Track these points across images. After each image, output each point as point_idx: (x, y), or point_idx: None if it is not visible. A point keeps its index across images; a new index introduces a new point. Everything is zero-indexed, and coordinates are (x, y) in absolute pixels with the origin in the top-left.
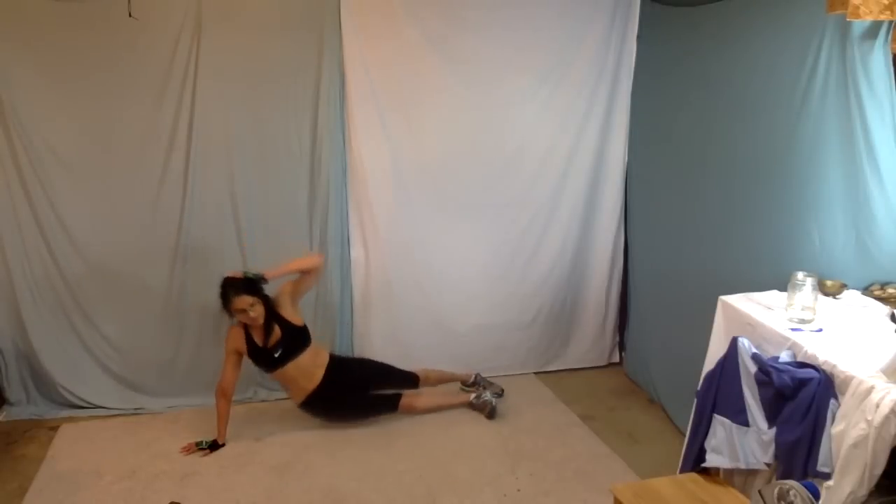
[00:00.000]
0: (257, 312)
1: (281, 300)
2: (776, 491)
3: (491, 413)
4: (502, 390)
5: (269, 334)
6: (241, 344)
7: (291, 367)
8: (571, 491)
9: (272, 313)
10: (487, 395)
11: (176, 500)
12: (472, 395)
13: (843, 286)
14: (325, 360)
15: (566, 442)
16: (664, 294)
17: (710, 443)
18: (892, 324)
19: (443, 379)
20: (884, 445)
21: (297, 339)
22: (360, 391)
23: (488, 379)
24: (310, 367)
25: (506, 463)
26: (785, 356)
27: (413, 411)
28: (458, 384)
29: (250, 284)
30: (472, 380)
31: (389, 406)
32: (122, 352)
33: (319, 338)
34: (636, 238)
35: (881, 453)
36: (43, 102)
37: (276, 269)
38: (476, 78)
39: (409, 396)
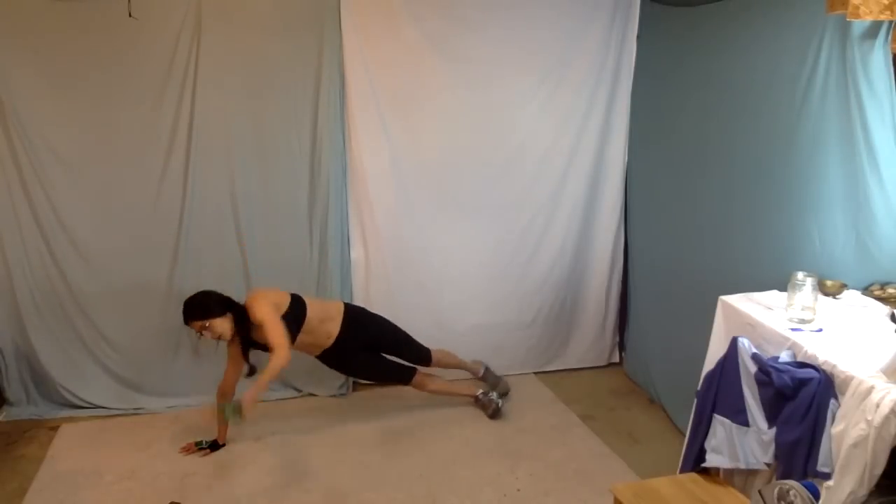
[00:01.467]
0: (217, 331)
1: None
2: (776, 491)
3: (494, 413)
4: (508, 390)
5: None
6: (237, 351)
7: (303, 337)
8: (571, 491)
9: (245, 333)
10: (494, 396)
11: (176, 500)
12: (480, 391)
13: (843, 286)
14: (339, 310)
15: (566, 442)
16: (664, 294)
17: (710, 443)
18: (892, 324)
19: (453, 364)
20: (884, 445)
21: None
22: (374, 352)
23: (496, 374)
24: (319, 325)
25: (506, 463)
26: (785, 356)
27: (423, 389)
28: (470, 376)
29: (195, 309)
30: (481, 373)
31: (403, 377)
32: (122, 352)
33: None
34: (636, 238)
35: (881, 453)
36: (43, 102)
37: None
38: (476, 78)
39: (422, 375)
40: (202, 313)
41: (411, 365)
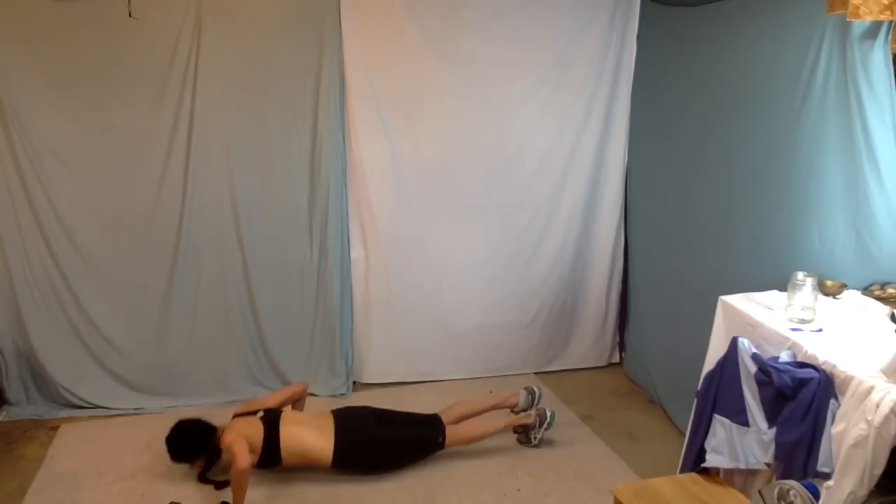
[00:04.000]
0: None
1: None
2: (776, 491)
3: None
4: (553, 415)
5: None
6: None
7: (288, 457)
8: (571, 491)
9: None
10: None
11: (176, 501)
12: (534, 412)
13: (843, 286)
14: (329, 419)
15: (566, 442)
16: (664, 294)
17: (710, 443)
18: (892, 324)
19: (471, 411)
20: (884, 445)
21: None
22: (384, 441)
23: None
24: (304, 456)
25: (506, 463)
26: (785, 356)
27: (462, 443)
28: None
29: (174, 453)
30: (520, 405)
31: (432, 443)
32: (122, 352)
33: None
34: (636, 238)
35: (881, 453)
36: (43, 102)
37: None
38: (476, 78)
39: (452, 427)
40: (184, 460)
41: (433, 421)
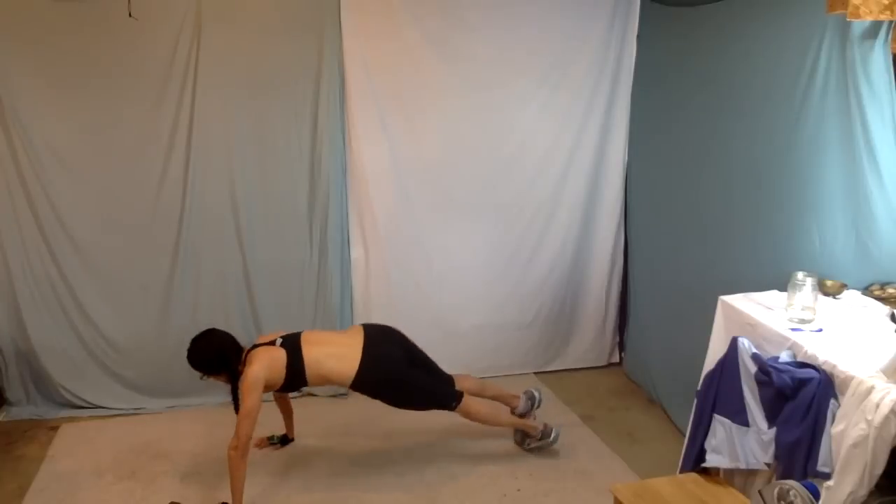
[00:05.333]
0: (212, 380)
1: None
2: (776, 491)
3: (523, 441)
4: (556, 437)
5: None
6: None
7: (312, 380)
8: (571, 491)
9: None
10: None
11: (176, 500)
12: (543, 424)
13: (843, 286)
14: (358, 339)
15: (566, 442)
16: (664, 294)
17: (710, 443)
18: (892, 324)
19: (478, 390)
20: (884, 445)
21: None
22: (406, 367)
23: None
24: (327, 375)
25: (506, 463)
26: (785, 356)
27: (468, 416)
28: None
29: (194, 361)
30: (519, 409)
31: (447, 397)
32: (122, 352)
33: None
34: (636, 238)
35: (881, 453)
36: (43, 102)
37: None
38: (476, 78)
39: (468, 397)
40: (198, 367)
41: (452, 382)
